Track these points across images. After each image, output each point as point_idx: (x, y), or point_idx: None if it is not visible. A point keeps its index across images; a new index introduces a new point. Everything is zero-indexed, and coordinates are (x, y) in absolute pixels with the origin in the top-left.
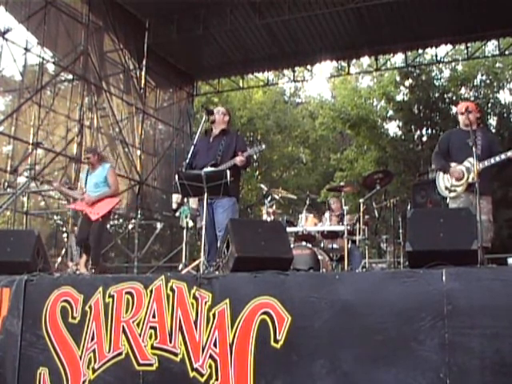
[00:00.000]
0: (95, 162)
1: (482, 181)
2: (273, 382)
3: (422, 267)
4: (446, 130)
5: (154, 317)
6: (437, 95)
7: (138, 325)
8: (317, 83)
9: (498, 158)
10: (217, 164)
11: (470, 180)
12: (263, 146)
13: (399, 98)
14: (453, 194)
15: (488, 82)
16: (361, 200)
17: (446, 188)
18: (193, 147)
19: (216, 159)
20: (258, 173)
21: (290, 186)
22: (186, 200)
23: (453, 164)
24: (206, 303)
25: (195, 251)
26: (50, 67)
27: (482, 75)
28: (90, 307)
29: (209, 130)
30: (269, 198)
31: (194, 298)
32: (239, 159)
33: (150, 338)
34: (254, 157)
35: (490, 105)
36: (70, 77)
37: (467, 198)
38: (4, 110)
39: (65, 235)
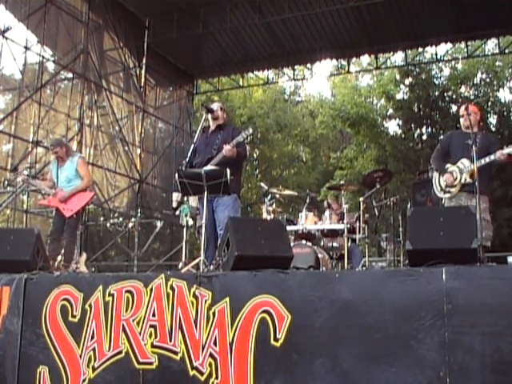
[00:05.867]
0: (63, 154)
1: (478, 180)
2: (273, 380)
3: (421, 266)
4: (446, 129)
5: (153, 315)
6: (437, 94)
7: (137, 323)
8: (317, 82)
9: (487, 159)
10: (212, 158)
11: (463, 181)
12: (250, 131)
13: (399, 96)
14: (447, 195)
15: (488, 80)
16: (361, 198)
17: (442, 189)
18: (193, 146)
19: (212, 153)
20: (257, 171)
21: (290, 184)
22: (186, 198)
23: (448, 166)
24: (205, 302)
25: (195, 250)
26: (50, 66)
27: (481, 74)
28: (90, 306)
29: (206, 126)
30: (269, 197)
31: (194, 296)
32: (226, 149)
33: (150, 336)
34: (254, 155)
35: (489, 103)
36: (70, 75)
37: (462, 199)
38: (4, 108)
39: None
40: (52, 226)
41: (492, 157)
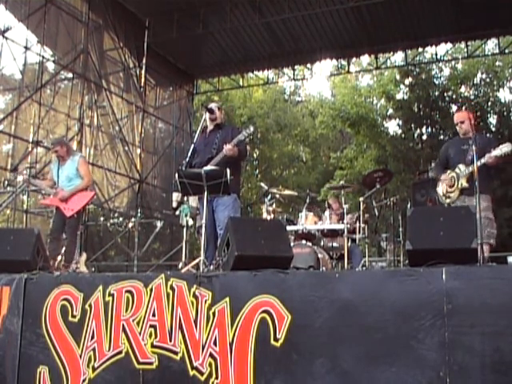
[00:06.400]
0: (64, 154)
1: (478, 180)
2: (273, 380)
3: (421, 266)
4: (446, 129)
5: (153, 315)
6: (437, 94)
7: (137, 323)
8: (317, 82)
9: (478, 163)
10: (212, 158)
11: (460, 186)
12: (251, 129)
13: (399, 96)
14: (448, 201)
15: (488, 80)
16: (361, 198)
17: (444, 195)
18: (192, 146)
19: (211, 153)
20: (257, 171)
21: (290, 184)
22: (186, 198)
23: (448, 172)
24: (205, 302)
25: (195, 250)
26: (50, 66)
27: (481, 74)
28: (90, 306)
29: (205, 127)
30: (269, 197)
31: (194, 296)
32: (227, 148)
33: (150, 336)
34: (254, 155)
35: (489, 103)
36: (70, 75)
37: (465, 201)
38: (4, 108)
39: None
40: (52, 225)
41: (482, 160)
